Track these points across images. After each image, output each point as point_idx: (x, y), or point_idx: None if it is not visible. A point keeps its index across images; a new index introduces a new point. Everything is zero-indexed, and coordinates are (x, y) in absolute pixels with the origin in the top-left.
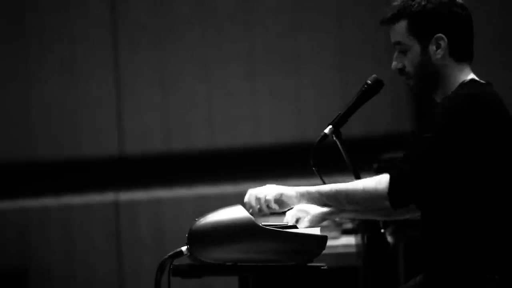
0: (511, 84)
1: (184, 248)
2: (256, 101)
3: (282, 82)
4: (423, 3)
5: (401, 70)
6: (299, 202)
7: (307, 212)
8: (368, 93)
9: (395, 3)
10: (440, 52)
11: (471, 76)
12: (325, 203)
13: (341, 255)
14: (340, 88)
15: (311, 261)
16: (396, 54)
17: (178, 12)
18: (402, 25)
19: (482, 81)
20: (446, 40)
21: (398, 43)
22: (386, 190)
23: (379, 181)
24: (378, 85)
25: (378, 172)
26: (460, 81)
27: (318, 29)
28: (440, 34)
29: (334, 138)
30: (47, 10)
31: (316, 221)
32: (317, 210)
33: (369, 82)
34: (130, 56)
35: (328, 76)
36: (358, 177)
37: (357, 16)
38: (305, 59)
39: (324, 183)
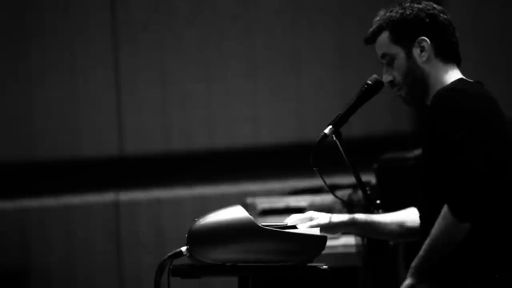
0: (510, 84)
1: (184, 248)
2: (256, 101)
3: (282, 82)
4: (401, 11)
5: (392, 83)
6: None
7: (311, 219)
8: (368, 93)
9: (374, 20)
10: (425, 54)
11: (460, 76)
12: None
13: (341, 255)
14: (340, 88)
15: (311, 261)
16: (384, 68)
17: (178, 11)
18: (384, 36)
19: (470, 80)
20: (428, 41)
21: (383, 55)
22: (455, 217)
23: (444, 217)
24: (378, 85)
25: (378, 172)
26: (451, 81)
27: (318, 29)
28: (422, 37)
29: (334, 138)
30: (47, 10)
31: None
32: (326, 218)
33: (369, 82)
34: (130, 56)
35: (328, 76)
36: (358, 177)
37: (357, 16)
38: (305, 59)
39: (325, 183)
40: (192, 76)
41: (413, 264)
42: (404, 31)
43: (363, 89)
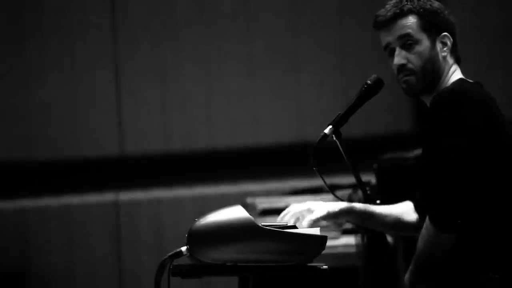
0: (510, 84)
1: (184, 248)
2: (256, 101)
3: (282, 82)
4: (429, 3)
5: (403, 67)
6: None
7: (311, 211)
8: (368, 93)
9: (392, 4)
10: (446, 50)
11: (461, 76)
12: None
13: (341, 255)
14: (340, 88)
15: (311, 261)
16: (397, 51)
17: (178, 12)
18: (411, 19)
19: (470, 80)
20: (451, 39)
21: (405, 35)
22: (435, 228)
23: (426, 228)
24: (378, 85)
25: (378, 172)
26: (452, 80)
27: (318, 29)
28: (446, 33)
29: (334, 138)
30: (47, 10)
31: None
32: (324, 210)
33: (369, 82)
34: (130, 56)
35: (328, 76)
36: (358, 177)
37: (357, 16)
38: (305, 59)
39: (325, 183)
40: (192, 76)
41: (406, 276)
42: (434, 22)
43: (363, 89)
